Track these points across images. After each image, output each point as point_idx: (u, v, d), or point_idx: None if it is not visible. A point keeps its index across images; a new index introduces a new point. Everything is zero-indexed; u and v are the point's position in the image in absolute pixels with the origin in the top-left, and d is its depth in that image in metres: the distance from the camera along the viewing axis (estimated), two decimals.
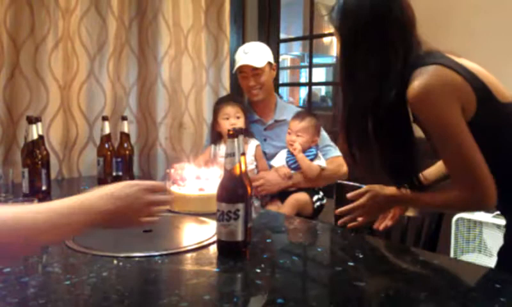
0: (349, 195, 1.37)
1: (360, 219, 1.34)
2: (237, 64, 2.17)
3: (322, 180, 2.09)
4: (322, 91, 7.17)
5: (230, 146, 1.13)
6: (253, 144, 2.13)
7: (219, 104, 2.18)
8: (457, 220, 2.15)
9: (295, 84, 6.87)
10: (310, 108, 3.31)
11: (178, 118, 2.71)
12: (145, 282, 1.00)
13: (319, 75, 6.89)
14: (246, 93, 2.25)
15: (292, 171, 2.07)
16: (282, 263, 1.13)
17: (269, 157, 2.17)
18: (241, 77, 2.20)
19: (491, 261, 2.04)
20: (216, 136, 2.16)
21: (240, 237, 1.10)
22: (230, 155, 1.13)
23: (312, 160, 2.06)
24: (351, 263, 1.12)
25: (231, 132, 1.12)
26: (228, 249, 1.12)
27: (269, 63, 2.19)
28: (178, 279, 1.04)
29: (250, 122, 2.21)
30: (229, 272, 1.10)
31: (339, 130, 1.39)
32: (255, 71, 2.14)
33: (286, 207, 2.03)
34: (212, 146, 2.17)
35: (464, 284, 1.04)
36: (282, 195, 2.08)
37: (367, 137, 1.22)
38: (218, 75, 2.87)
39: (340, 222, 1.38)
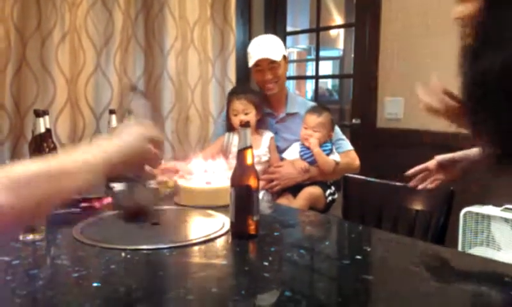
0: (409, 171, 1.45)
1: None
2: (254, 58, 2.12)
3: (337, 174, 2.09)
4: (329, 84, 7.14)
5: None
6: (267, 135, 2.12)
7: (231, 96, 2.16)
8: (465, 213, 2.13)
9: (301, 77, 6.85)
10: (316, 101, 3.29)
11: (184, 112, 2.71)
12: (153, 275, 1.00)
13: (326, 68, 6.86)
14: (261, 87, 2.21)
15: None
16: (290, 256, 1.13)
17: (280, 150, 2.16)
18: (256, 70, 2.16)
19: (499, 255, 2.03)
20: (230, 126, 2.15)
21: (231, 219, 1.21)
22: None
23: (327, 155, 2.05)
24: (359, 257, 1.11)
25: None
26: None
27: (284, 56, 2.16)
28: (186, 272, 1.04)
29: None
30: (236, 265, 1.10)
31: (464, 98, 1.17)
32: (272, 65, 2.10)
33: (300, 200, 2.02)
34: (226, 135, 2.16)
35: (473, 277, 1.04)
36: (294, 189, 2.07)
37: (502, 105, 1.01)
38: (224, 68, 2.87)
39: (411, 183, 1.45)
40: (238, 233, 1.21)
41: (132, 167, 0.99)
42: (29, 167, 0.78)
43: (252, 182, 1.19)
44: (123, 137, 0.94)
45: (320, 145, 2.05)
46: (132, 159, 0.94)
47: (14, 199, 0.72)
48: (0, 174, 0.73)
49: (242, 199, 1.20)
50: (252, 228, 1.20)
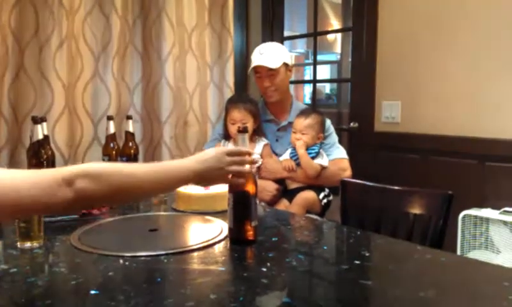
0: None
1: None
2: (252, 65, 2.14)
3: (323, 179, 2.07)
4: (327, 88, 7.14)
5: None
6: (261, 143, 2.14)
7: (229, 104, 2.17)
8: (464, 217, 2.13)
9: (299, 82, 6.84)
10: (314, 105, 3.30)
11: (182, 117, 2.71)
12: (151, 281, 1.00)
13: (324, 72, 6.87)
14: (262, 94, 2.23)
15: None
16: (288, 261, 1.12)
17: (278, 157, 2.17)
18: (256, 77, 2.18)
19: (498, 258, 2.03)
20: (227, 134, 2.16)
21: (229, 224, 1.21)
22: None
23: (313, 157, 2.05)
24: (357, 262, 1.11)
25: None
26: None
27: (285, 64, 2.15)
28: (184, 278, 1.04)
29: (264, 121, 2.20)
30: (235, 271, 1.10)
31: None
32: (270, 72, 2.11)
33: (295, 206, 2.02)
34: (222, 142, 2.17)
35: (472, 282, 1.04)
36: (289, 194, 2.07)
37: None
38: (222, 73, 2.87)
39: None
40: (236, 238, 1.21)
41: (205, 183, 1.22)
42: (113, 164, 1.09)
43: (250, 187, 1.19)
44: (201, 157, 1.12)
45: (308, 147, 2.05)
46: (204, 177, 1.11)
47: (95, 186, 0.92)
48: (84, 166, 0.94)
49: (240, 205, 1.20)
50: (250, 234, 1.20)
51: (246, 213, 1.19)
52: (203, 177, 1.10)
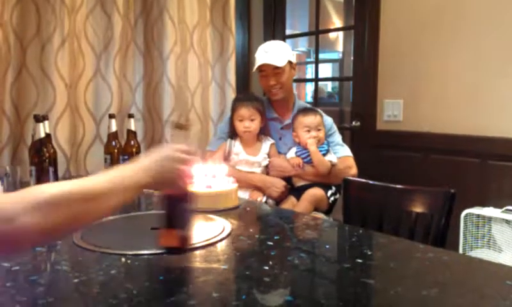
0: None
1: None
2: (258, 63, 2.13)
3: (332, 177, 2.08)
4: (329, 86, 7.14)
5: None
6: (267, 143, 2.14)
7: (236, 103, 2.16)
8: (466, 215, 2.13)
9: (301, 80, 6.83)
10: (316, 104, 3.30)
11: (184, 115, 2.71)
12: (153, 280, 1.00)
13: (325, 70, 6.86)
14: (266, 92, 2.22)
15: None
16: (290, 260, 1.12)
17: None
18: (261, 76, 2.17)
19: (500, 257, 2.03)
20: (233, 132, 2.15)
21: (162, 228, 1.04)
22: None
23: (324, 155, 2.06)
24: (360, 260, 1.11)
25: None
26: None
27: (290, 62, 2.15)
28: (187, 276, 1.04)
29: (268, 119, 2.20)
30: (237, 269, 1.09)
31: None
32: (276, 71, 2.10)
33: (303, 202, 2.02)
34: (228, 141, 2.16)
35: (475, 281, 1.03)
36: (296, 192, 2.08)
37: None
38: (224, 71, 2.87)
39: None
40: (164, 245, 1.05)
41: (162, 186, 1.01)
42: (62, 187, 0.80)
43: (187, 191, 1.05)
44: (152, 159, 0.97)
45: (320, 144, 2.06)
46: (161, 179, 0.96)
47: (41, 219, 0.73)
48: (28, 195, 0.75)
49: (175, 209, 1.04)
50: (178, 241, 1.04)
51: (169, 217, 1.04)
52: (160, 178, 0.95)
